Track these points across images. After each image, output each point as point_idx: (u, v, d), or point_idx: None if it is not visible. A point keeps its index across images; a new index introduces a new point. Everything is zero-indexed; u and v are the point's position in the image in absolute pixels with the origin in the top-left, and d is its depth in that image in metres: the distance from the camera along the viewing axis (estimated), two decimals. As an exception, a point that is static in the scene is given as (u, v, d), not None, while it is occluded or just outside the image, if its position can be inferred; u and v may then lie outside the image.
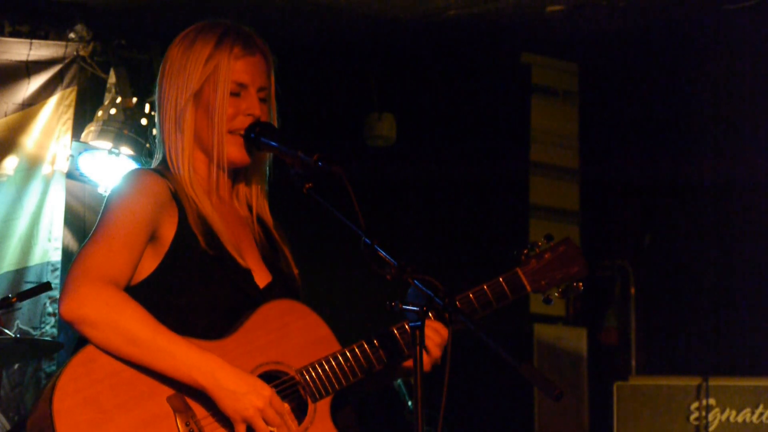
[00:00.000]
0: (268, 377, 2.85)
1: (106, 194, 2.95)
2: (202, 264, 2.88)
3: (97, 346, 2.72)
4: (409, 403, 5.76)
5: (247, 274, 2.96)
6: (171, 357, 2.72)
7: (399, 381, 5.56)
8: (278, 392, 2.83)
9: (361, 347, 2.96)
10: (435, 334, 2.96)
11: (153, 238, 2.87)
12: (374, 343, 2.97)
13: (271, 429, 2.78)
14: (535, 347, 7.43)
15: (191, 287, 2.87)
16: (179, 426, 2.74)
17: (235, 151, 2.98)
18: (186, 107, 2.96)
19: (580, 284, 3.20)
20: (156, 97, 3.04)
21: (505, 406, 7.18)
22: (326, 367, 2.91)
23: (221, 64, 2.95)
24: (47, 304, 5.84)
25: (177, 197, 2.91)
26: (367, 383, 3.07)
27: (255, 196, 3.10)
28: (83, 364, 2.72)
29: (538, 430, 7.31)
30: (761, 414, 5.84)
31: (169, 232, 2.88)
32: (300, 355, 2.91)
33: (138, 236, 2.82)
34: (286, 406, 2.85)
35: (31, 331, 5.85)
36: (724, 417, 5.87)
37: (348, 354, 2.95)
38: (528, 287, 3.15)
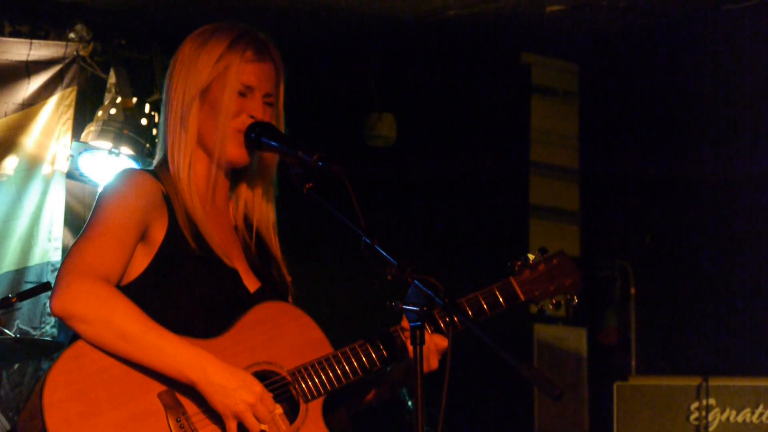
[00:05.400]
0: (259, 377, 2.83)
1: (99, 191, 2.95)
2: (191, 265, 2.88)
3: (88, 342, 2.72)
4: (409, 403, 5.76)
5: (235, 274, 2.96)
6: (161, 352, 2.71)
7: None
8: (270, 392, 2.82)
9: (353, 350, 2.96)
10: (434, 345, 2.95)
11: (143, 237, 2.87)
12: (368, 346, 2.98)
13: (262, 425, 2.77)
14: (535, 347, 7.43)
15: (181, 288, 2.87)
16: (170, 422, 2.74)
17: (235, 149, 2.97)
18: (192, 103, 2.96)
19: (575, 297, 3.24)
20: (164, 91, 3.03)
21: (505, 406, 7.18)
22: (318, 368, 2.91)
23: (232, 65, 2.95)
24: (47, 304, 5.83)
25: (168, 199, 2.91)
26: (366, 395, 3.09)
27: (258, 201, 3.09)
28: (74, 359, 2.72)
29: (538, 430, 7.31)
30: (761, 414, 5.84)
31: (159, 233, 2.88)
32: (292, 356, 2.91)
33: (130, 234, 2.83)
34: (278, 407, 2.84)
35: (31, 331, 5.85)
36: (724, 417, 5.87)
37: (340, 356, 2.94)
38: (521, 296, 3.17)
